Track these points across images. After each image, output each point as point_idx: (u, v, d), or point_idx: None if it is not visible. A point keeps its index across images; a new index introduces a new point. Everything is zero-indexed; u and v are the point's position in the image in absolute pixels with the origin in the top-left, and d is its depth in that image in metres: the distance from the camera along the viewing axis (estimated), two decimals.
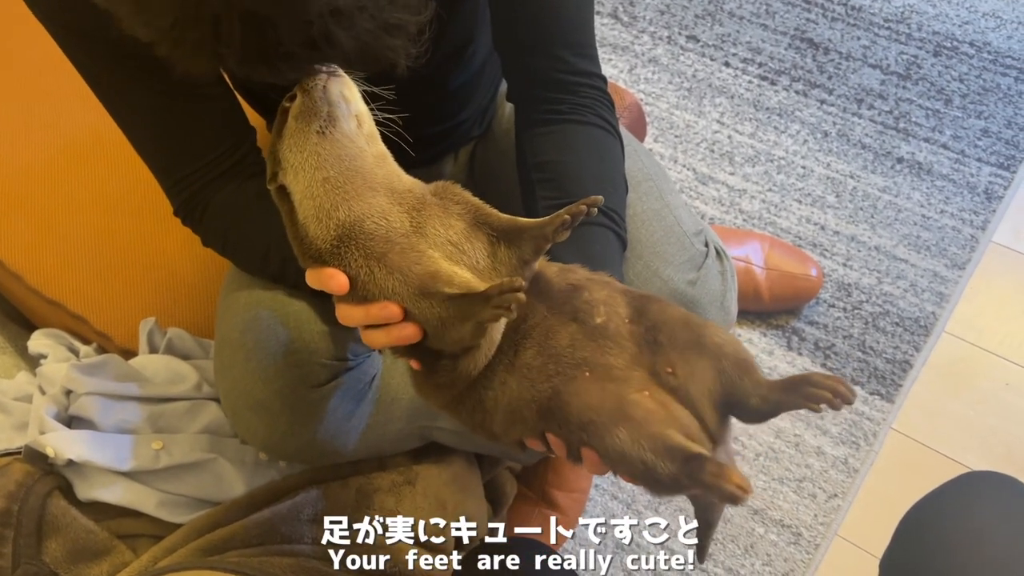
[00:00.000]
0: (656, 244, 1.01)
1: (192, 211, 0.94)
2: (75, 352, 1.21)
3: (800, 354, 1.47)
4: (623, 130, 1.08)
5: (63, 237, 1.33)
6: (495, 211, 0.74)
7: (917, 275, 1.53)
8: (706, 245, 1.06)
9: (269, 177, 0.77)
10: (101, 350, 1.21)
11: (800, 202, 1.64)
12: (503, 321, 0.72)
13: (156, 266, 1.31)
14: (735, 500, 0.62)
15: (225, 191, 0.93)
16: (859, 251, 1.57)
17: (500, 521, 1.27)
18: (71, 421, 1.03)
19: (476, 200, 0.75)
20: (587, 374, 0.69)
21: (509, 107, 1.17)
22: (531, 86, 0.95)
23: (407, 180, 0.76)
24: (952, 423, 1.40)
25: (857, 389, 1.43)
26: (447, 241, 0.72)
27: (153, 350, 1.13)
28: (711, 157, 1.72)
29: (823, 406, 0.65)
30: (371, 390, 1.02)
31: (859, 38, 1.85)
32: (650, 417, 0.66)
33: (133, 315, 1.26)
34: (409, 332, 0.72)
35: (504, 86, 1.20)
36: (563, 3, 0.90)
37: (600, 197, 0.69)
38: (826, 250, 1.58)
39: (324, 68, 0.73)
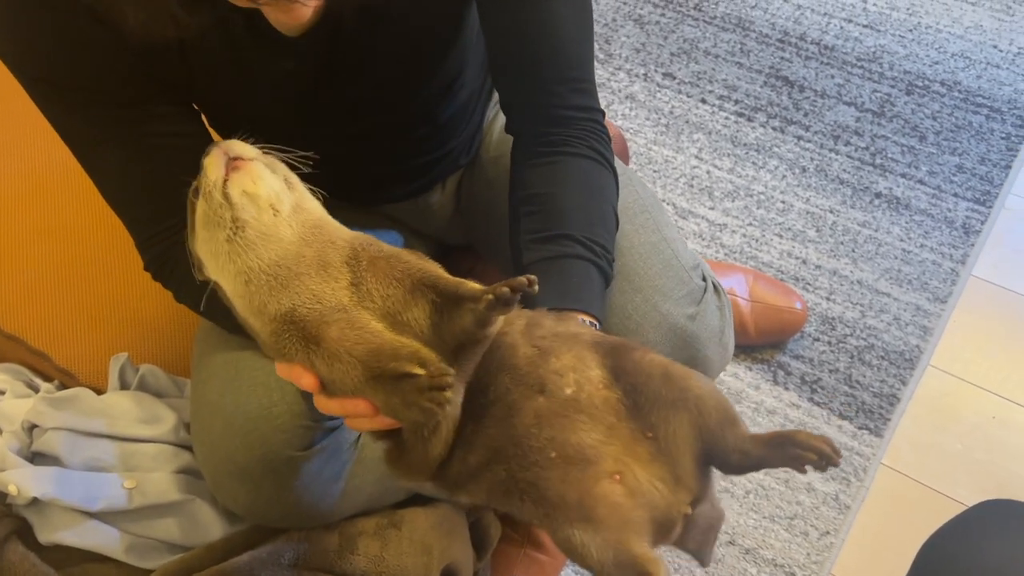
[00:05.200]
0: (654, 278, 0.98)
1: (162, 268, 0.91)
2: (35, 389, 1.14)
3: (787, 388, 1.45)
4: (620, 162, 1.06)
5: (24, 268, 1.27)
6: (439, 271, 0.69)
7: (900, 308, 1.53)
8: (704, 279, 1.04)
9: (195, 269, 0.74)
10: (63, 388, 1.15)
11: (781, 236, 1.63)
12: (458, 401, 0.67)
13: (124, 300, 1.26)
14: None
15: None
16: (841, 285, 1.56)
17: (484, 565, 1.21)
18: (34, 458, 0.96)
19: (416, 260, 0.70)
20: (552, 455, 0.64)
21: (495, 135, 1.16)
22: (528, 121, 0.94)
23: (343, 245, 0.71)
24: (941, 457, 1.38)
25: (845, 424, 1.41)
26: (386, 312, 0.68)
27: (125, 388, 1.07)
28: (690, 192, 1.71)
29: (808, 467, 0.62)
30: (356, 449, 0.98)
31: (833, 76, 1.87)
32: (612, 516, 0.62)
33: (99, 352, 1.21)
34: (391, 420, 0.68)
35: (491, 114, 1.18)
36: (562, 41, 0.88)
37: (534, 277, 0.63)
38: (809, 284, 1.57)
39: (228, 152, 0.69)
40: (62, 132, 0.84)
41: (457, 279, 0.68)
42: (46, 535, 0.94)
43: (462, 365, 0.66)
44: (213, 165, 0.69)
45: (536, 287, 0.62)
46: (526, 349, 0.68)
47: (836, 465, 0.61)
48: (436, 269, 0.69)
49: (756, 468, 0.65)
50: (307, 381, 0.68)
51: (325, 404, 0.70)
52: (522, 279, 0.62)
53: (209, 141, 0.91)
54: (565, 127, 0.91)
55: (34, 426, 1.00)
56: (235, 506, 0.94)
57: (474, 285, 0.66)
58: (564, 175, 0.89)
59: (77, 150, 0.86)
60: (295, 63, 0.85)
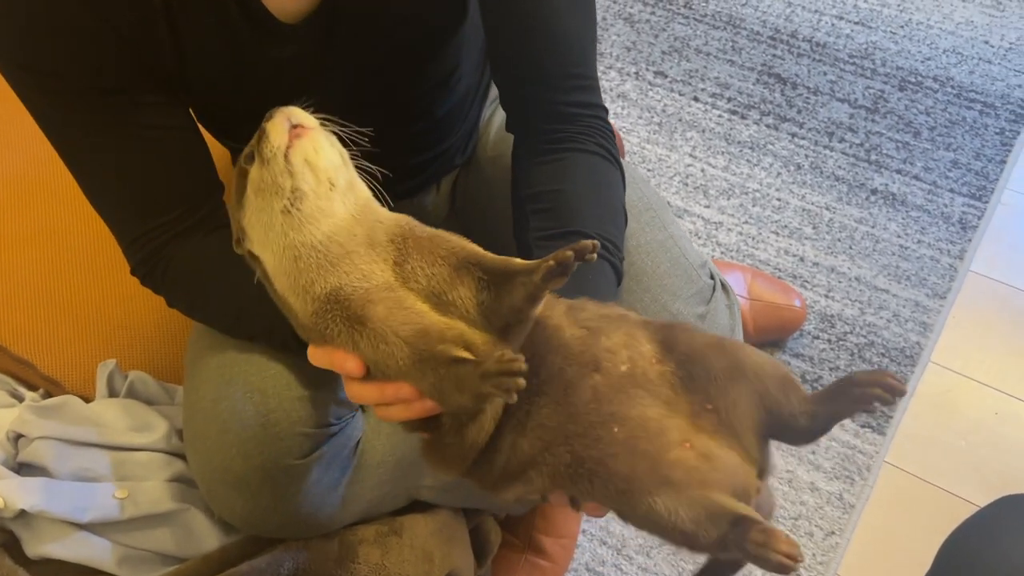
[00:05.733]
0: (663, 277, 0.96)
1: (152, 270, 0.87)
2: (19, 399, 1.11)
3: None
4: (624, 161, 1.04)
5: (6, 275, 1.23)
6: (483, 251, 0.67)
7: (899, 305, 1.51)
8: (711, 277, 1.02)
9: (235, 241, 0.71)
10: (48, 396, 1.11)
11: (777, 234, 1.62)
12: None
13: (110, 306, 1.23)
14: (784, 570, 0.54)
15: (187, 247, 0.86)
16: (840, 282, 1.55)
17: (485, 572, 1.19)
18: (20, 469, 0.93)
19: (459, 240, 0.68)
20: (616, 430, 0.62)
21: (493, 135, 1.13)
22: (530, 118, 0.92)
23: (389, 225, 0.69)
24: (944, 454, 1.37)
25: (847, 422, 1.39)
26: (431, 292, 0.66)
27: (113, 395, 1.03)
28: (685, 190, 1.70)
29: (876, 404, 0.60)
30: (356, 456, 0.95)
31: (825, 73, 1.86)
32: (691, 478, 0.60)
33: (85, 359, 1.17)
34: (431, 405, 0.65)
35: (487, 113, 1.16)
36: (565, 36, 0.86)
37: (596, 242, 0.61)
38: (807, 281, 1.55)
39: (290, 118, 0.67)
40: (44, 125, 0.81)
41: (504, 257, 0.66)
42: (34, 548, 0.90)
43: (507, 347, 0.64)
44: (277, 130, 0.67)
45: (596, 254, 0.60)
46: (573, 331, 0.66)
47: (903, 393, 0.59)
48: (480, 249, 0.67)
49: (825, 428, 0.63)
50: (352, 365, 0.65)
51: (360, 390, 0.67)
52: (586, 243, 0.60)
53: (198, 134, 0.88)
54: (570, 123, 0.89)
55: (20, 436, 0.96)
56: (231, 516, 0.91)
57: (523, 260, 0.64)
58: (572, 171, 0.87)
59: (59, 144, 0.82)
60: (292, 50, 0.82)
